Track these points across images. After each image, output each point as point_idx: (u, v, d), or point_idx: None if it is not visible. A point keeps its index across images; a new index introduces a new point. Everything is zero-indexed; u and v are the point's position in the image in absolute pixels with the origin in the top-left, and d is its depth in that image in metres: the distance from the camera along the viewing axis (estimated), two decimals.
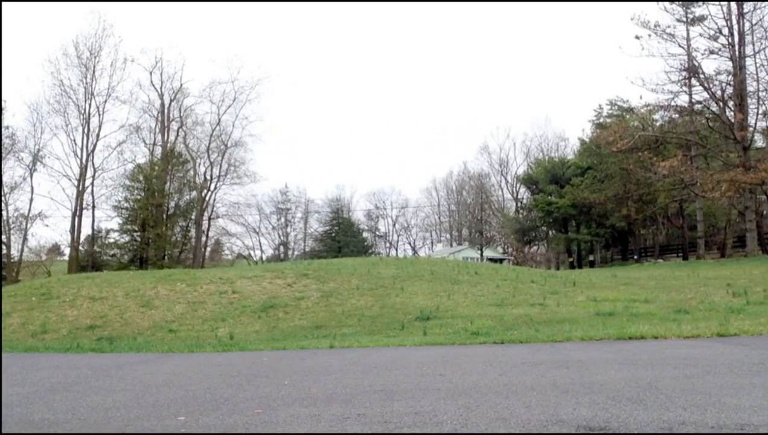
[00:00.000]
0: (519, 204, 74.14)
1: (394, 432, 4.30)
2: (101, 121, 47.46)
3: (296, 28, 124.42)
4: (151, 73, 50.32)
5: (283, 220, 75.17)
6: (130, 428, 4.74)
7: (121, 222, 47.86)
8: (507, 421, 4.43)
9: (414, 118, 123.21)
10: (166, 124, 51.21)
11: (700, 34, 38.50)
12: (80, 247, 47.25)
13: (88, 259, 46.19)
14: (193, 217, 51.49)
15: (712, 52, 38.00)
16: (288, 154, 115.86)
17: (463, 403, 5.07)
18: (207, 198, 52.93)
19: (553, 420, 4.39)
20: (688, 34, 38.86)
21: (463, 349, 9.23)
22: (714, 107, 38.71)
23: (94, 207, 47.56)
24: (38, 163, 45.36)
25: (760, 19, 36.62)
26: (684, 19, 38.59)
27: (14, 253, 44.37)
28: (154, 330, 15.23)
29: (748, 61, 37.39)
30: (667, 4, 38.60)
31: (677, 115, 40.98)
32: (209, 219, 54.45)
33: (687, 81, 39.11)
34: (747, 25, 36.96)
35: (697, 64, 38.14)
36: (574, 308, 15.18)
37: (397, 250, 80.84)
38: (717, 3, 37.57)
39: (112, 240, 48.77)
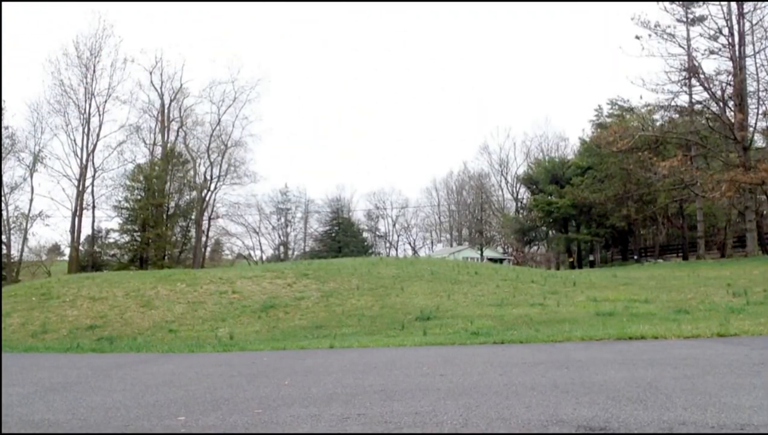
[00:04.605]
0: (519, 204, 74.16)
1: (395, 432, 4.30)
2: (101, 121, 47.55)
3: (296, 28, 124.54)
4: (151, 73, 50.44)
5: (283, 220, 75.21)
6: (130, 428, 4.74)
7: (121, 222, 47.89)
8: (507, 421, 4.43)
9: (414, 118, 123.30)
10: (166, 124, 51.24)
11: (700, 34, 38.57)
12: (80, 247, 47.26)
13: (88, 259, 46.20)
14: (193, 217, 51.51)
15: (712, 52, 38.03)
16: (288, 154, 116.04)
17: (464, 403, 5.07)
18: (207, 198, 53.01)
19: (554, 420, 4.39)
20: (688, 34, 38.91)
21: (463, 349, 9.23)
22: (714, 107, 38.71)
23: (94, 207, 47.67)
24: (38, 163, 45.45)
25: (760, 19, 36.62)
26: (684, 19, 38.63)
27: (14, 253, 44.45)
28: (154, 330, 15.23)
29: (748, 61, 37.43)
30: (667, 4, 38.67)
31: (677, 115, 40.99)
32: (209, 219, 54.52)
33: (687, 81, 39.12)
34: (747, 25, 36.99)
35: (697, 64, 38.17)
36: (574, 308, 15.18)
37: (397, 250, 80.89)
38: (717, 3, 37.60)
39: (112, 240, 48.82)
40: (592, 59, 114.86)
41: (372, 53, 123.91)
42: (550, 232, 63.21)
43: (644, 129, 39.78)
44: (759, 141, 41.28)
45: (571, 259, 56.11)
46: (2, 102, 42.42)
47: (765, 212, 45.64)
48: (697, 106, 39.68)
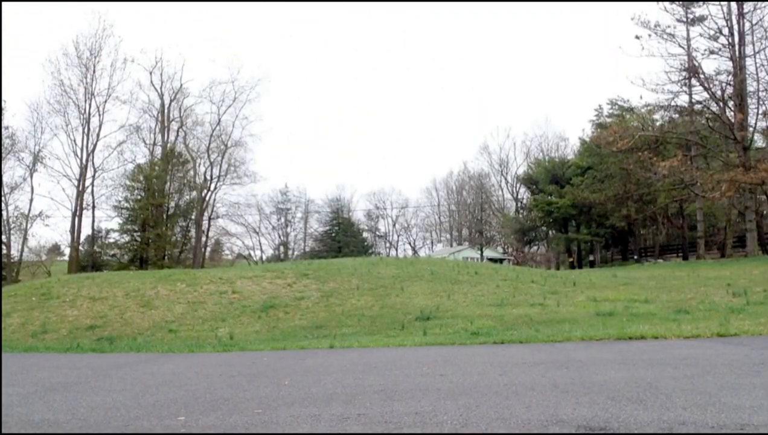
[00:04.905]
0: (519, 204, 74.15)
1: (395, 432, 4.30)
2: (101, 121, 47.55)
3: (296, 28, 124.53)
4: (151, 73, 50.44)
5: (283, 220, 75.20)
6: (130, 428, 4.74)
7: (121, 222, 47.88)
8: (507, 421, 4.43)
9: (414, 118, 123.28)
10: (166, 124, 51.24)
11: (700, 34, 38.58)
12: (80, 247, 47.26)
13: (88, 259, 46.19)
14: (193, 217, 51.51)
15: (712, 52, 38.03)
16: (288, 154, 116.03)
17: (464, 403, 5.07)
18: (207, 198, 53.01)
19: (553, 420, 4.40)
20: (688, 34, 38.92)
21: (463, 349, 9.24)
22: (714, 107, 38.70)
23: (94, 207, 47.67)
24: (38, 163, 45.45)
25: (760, 19, 36.63)
26: (684, 19, 38.64)
27: (14, 253, 44.44)
28: (154, 330, 15.23)
29: (748, 61, 37.43)
30: (667, 4, 38.68)
31: (677, 115, 40.98)
32: (209, 219, 54.51)
33: (687, 81, 39.12)
34: (747, 25, 37.00)
35: (697, 64, 38.16)
36: (574, 308, 15.18)
37: (397, 250, 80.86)
38: (717, 3, 37.61)
39: (112, 240, 48.82)
40: (592, 59, 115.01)
41: (372, 53, 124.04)
42: (550, 232, 63.20)
43: (644, 129, 39.77)
44: (759, 141, 41.29)
45: (571, 259, 56.10)
46: (2, 102, 42.47)
47: (765, 212, 45.63)
48: (697, 106, 39.68)
